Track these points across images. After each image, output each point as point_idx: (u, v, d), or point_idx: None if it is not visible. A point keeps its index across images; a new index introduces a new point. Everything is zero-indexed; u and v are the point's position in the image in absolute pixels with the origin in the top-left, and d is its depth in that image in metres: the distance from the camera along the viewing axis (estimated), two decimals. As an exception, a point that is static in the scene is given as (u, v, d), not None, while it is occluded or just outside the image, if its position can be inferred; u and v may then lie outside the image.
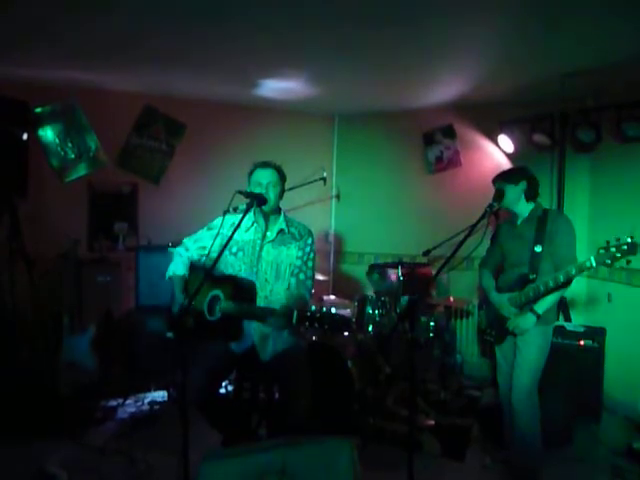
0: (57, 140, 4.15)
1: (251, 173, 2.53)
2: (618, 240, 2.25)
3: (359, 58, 3.44)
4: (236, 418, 2.65)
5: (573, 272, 2.41)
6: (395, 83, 4.08)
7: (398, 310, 3.86)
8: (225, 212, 2.44)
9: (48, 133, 4.12)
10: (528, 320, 2.60)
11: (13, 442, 3.09)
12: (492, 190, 2.72)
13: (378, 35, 2.97)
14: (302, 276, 2.56)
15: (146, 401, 3.84)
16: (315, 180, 4.44)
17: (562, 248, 2.58)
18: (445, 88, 4.14)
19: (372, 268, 4.32)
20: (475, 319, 4.61)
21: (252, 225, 2.56)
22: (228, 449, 2.48)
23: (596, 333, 3.52)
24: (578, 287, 4.03)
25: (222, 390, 3.43)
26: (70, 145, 4.20)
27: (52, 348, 3.69)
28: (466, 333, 4.70)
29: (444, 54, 3.31)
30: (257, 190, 2.45)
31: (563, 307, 3.82)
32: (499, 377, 2.88)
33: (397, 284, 4.01)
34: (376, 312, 3.81)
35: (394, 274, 4.22)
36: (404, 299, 3.97)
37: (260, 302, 2.47)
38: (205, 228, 2.65)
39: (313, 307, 2.31)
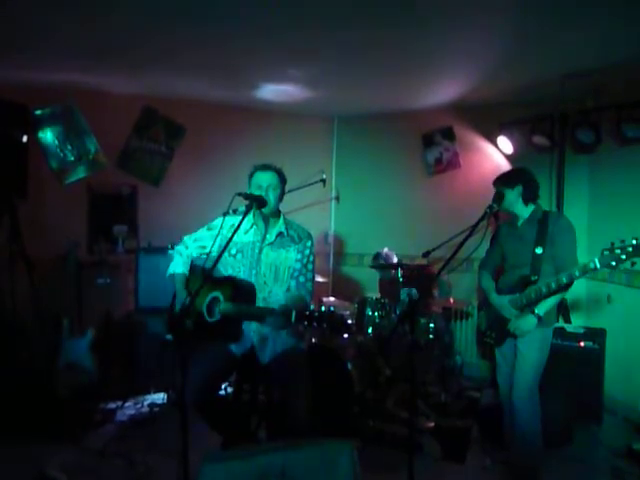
0: (56, 142, 4.15)
1: (251, 175, 2.54)
2: (623, 242, 2.23)
3: (358, 60, 3.45)
4: (235, 420, 2.64)
5: (577, 274, 2.40)
6: (394, 85, 4.08)
7: (400, 303, 3.87)
8: (225, 214, 2.44)
9: (48, 135, 4.13)
10: (529, 322, 2.59)
11: (13, 445, 3.09)
12: (491, 192, 2.72)
13: (377, 36, 2.97)
14: (302, 279, 2.56)
15: (145, 403, 3.83)
16: (315, 182, 4.44)
17: (563, 250, 2.58)
18: (444, 89, 4.14)
19: (377, 256, 4.33)
20: (475, 321, 4.60)
21: (251, 227, 2.56)
22: (228, 451, 2.47)
23: (596, 334, 3.52)
24: (578, 288, 4.02)
25: (221, 392, 3.43)
26: (69, 147, 4.20)
27: (52, 350, 3.69)
28: (466, 335, 4.70)
29: (443, 55, 3.31)
30: (257, 193, 2.46)
31: (563, 309, 3.82)
32: (499, 378, 2.88)
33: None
34: (376, 314, 3.81)
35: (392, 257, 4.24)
36: (403, 292, 3.99)
37: (258, 304, 2.46)
38: (205, 228, 2.66)
39: (312, 306, 2.32)
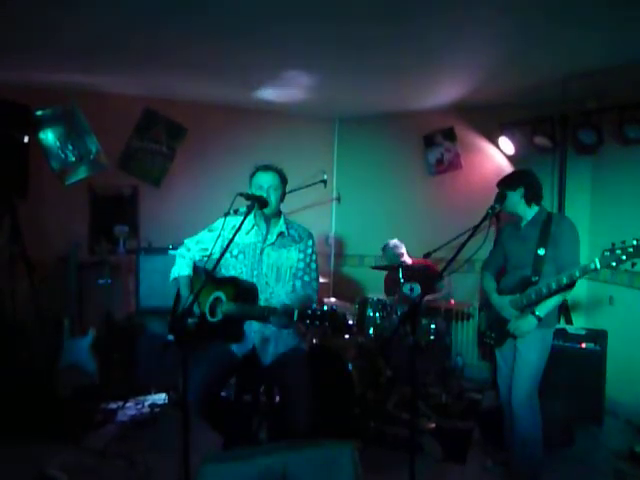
0: (58, 143, 4.16)
1: (252, 176, 2.53)
2: (623, 243, 2.23)
3: (359, 60, 3.44)
4: (237, 421, 2.64)
5: (577, 274, 2.39)
6: (395, 85, 4.08)
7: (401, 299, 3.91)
8: (226, 214, 2.44)
9: (49, 136, 4.13)
10: (529, 322, 2.59)
11: (13, 445, 3.09)
12: (493, 192, 2.72)
13: (378, 37, 2.97)
14: (307, 278, 2.57)
15: (146, 404, 3.83)
16: (316, 182, 4.44)
17: (566, 251, 2.57)
18: (445, 90, 4.14)
19: (386, 247, 4.35)
20: (476, 322, 4.60)
21: (252, 228, 2.56)
22: (229, 452, 2.47)
23: (598, 336, 3.51)
24: (580, 290, 4.02)
25: (223, 393, 3.42)
26: (71, 148, 4.20)
27: (52, 350, 3.69)
28: (467, 336, 4.70)
29: (444, 56, 3.31)
30: (258, 193, 2.46)
31: (564, 310, 3.82)
32: (499, 379, 2.88)
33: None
34: (377, 315, 3.81)
35: (402, 255, 4.24)
36: (406, 287, 4.01)
37: (260, 304, 2.46)
38: (206, 229, 2.66)
39: (314, 305, 2.32)
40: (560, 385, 3.28)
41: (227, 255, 2.48)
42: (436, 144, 4.84)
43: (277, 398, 2.71)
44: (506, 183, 2.72)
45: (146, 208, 4.53)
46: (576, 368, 3.45)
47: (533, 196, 2.69)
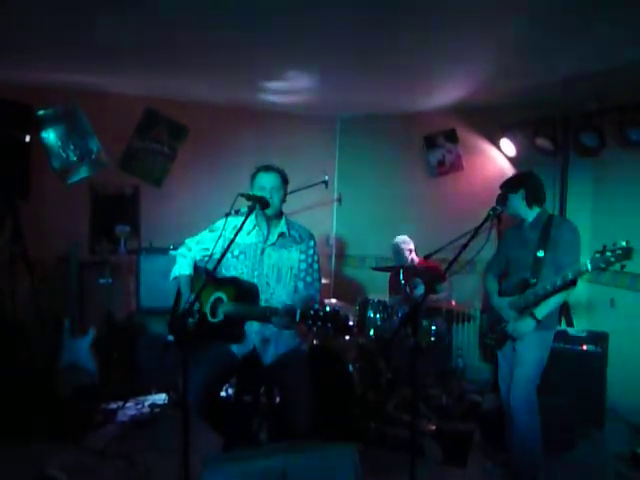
0: (59, 142, 4.16)
1: (254, 176, 2.53)
2: (614, 244, 2.24)
3: (361, 61, 3.44)
4: (237, 421, 2.64)
5: (570, 276, 2.41)
6: (397, 86, 4.08)
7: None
8: (227, 214, 2.43)
9: (50, 135, 4.13)
10: (527, 324, 2.60)
11: (13, 444, 3.09)
12: (495, 194, 2.73)
13: (380, 38, 2.97)
14: (309, 278, 2.57)
15: (146, 404, 3.83)
16: (317, 183, 4.44)
17: (565, 254, 2.57)
18: (447, 91, 4.13)
19: (395, 246, 4.36)
20: (477, 323, 4.59)
21: (254, 228, 2.56)
22: (229, 454, 2.47)
23: (599, 338, 3.50)
24: (581, 292, 4.01)
25: (223, 393, 3.42)
26: (72, 147, 4.20)
27: (53, 350, 3.69)
28: (468, 337, 4.69)
29: (446, 57, 3.30)
30: (260, 194, 2.45)
31: (566, 312, 3.81)
32: (500, 380, 2.88)
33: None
34: (377, 316, 3.80)
35: (410, 251, 4.24)
36: (418, 281, 4.05)
37: (261, 305, 2.46)
38: (207, 230, 2.65)
39: (316, 306, 2.32)
40: (561, 387, 3.28)
41: (228, 255, 2.48)
42: (438, 145, 4.83)
43: (277, 399, 2.71)
44: (508, 185, 2.74)
45: (147, 208, 4.53)
46: (577, 370, 3.44)
47: (534, 198, 2.69)
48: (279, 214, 2.57)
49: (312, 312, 2.19)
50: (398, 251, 4.24)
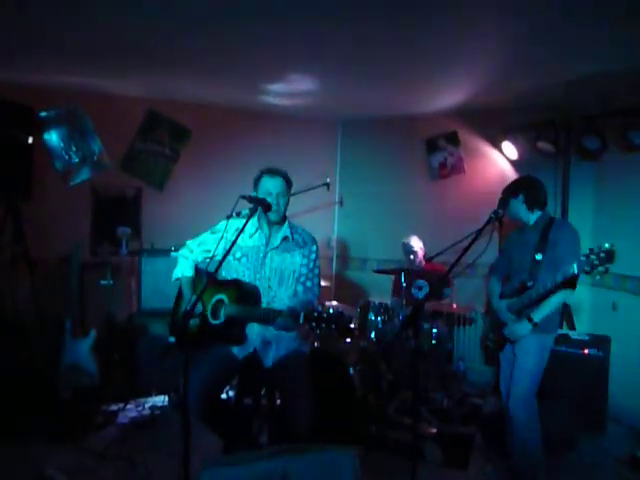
0: (61, 144, 4.17)
1: (258, 180, 2.51)
2: (599, 247, 2.24)
3: (362, 64, 3.44)
4: (237, 424, 2.63)
5: (559, 279, 2.41)
6: (398, 89, 4.08)
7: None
8: (228, 217, 2.43)
9: (53, 137, 4.14)
10: (523, 327, 2.60)
11: (14, 445, 3.08)
12: (496, 197, 2.73)
13: (381, 41, 2.97)
14: (309, 283, 2.56)
15: (147, 406, 3.82)
16: (318, 186, 4.43)
17: (563, 257, 2.57)
18: (448, 94, 4.14)
19: (405, 245, 4.36)
20: (479, 326, 4.58)
21: (256, 231, 2.55)
22: (229, 457, 2.46)
23: (601, 342, 3.49)
24: (583, 295, 4.00)
25: (223, 396, 3.42)
26: (74, 149, 4.21)
27: (53, 351, 3.69)
28: (469, 340, 4.68)
29: (447, 59, 3.30)
30: (267, 199, 2.44)
31: (568, 315, 3.80)
32: (501, 382, 2.88)
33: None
34: (378, 319, 3.80)
35: (422, 250, 4.24)
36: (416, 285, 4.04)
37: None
38: (209, 231, 2.65)
39: (319, 307, 2.31)
40: (563, 391, 3.27)
41: (230, 258, 2.48)
42: (439, 148, 4.83)
43: (278, 401, 2.70)
44: (508, 190, 2.77)
45: (149, 210, 4.53)
46: (579, 374, 3.43)
47: (534, 202, 2.71)
48: (283, 218, 2.56)
49: (316, 314, 2.18)
50: (410, 251, 4.22)
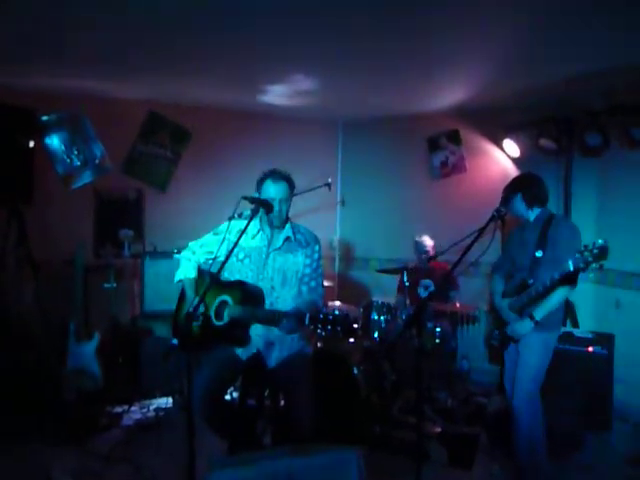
0: (63, 147, 4.18)
1: (261, 182, 2.50)
2: (593, 244, 2.23)
3: (363, 64, 3.44)
4: (241, 425, 2.63)
5: (556, 276, 2.41)
6: (399, 88, 4.08)
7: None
8: (230, 218, 2.43)
9: (54, 141, 4.15)
10: (525, 325, 2.60)
11: (18, 448, 3.09)
12: (498, 195, 2.75)
13: (381, 40, 2.97)
14: (313, 283, 2.56)
15: (151, 408, 3.83)
16: (320, 186, 4.43)
17: (562, 253, 2.56)
18: (450, 93, 4.13)
19: (416, 244, 4.34)
20: (482, 325, 4.57)
21: (258, 232, 2.55)
22: (234, 457, 2.46)
23: (605, 339, 3.47)
24: (586, 293, 3.99)
25: (227, 397, 3.42)
26: (76, 152, 4.22)
27: (58, 354, 3.69)
28: (473, 339, 4.67)
29: (448, 58, 3.30)
30: (272, 203, 2.43)
31: (571, 313, 3.79)
32: (506, 380, 2.87)
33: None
34: (382, 318, 3.79)
35: (433, 248, 4.20)
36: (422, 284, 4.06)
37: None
38: (211, 233, 2.65)
39: (324, 309, 2.31)
40: (567, 389, 3.25)
41: (233, 259, 2.48)
42: (441, 147, 4.83)
43: (282, 402, 2.70)
44: (508, 187, 2.77)
45: (151, 212, 4.54)
46: (583, 372, 3.41)
47: (533, 199, 2.71)
48: (284, 222, 2.55)
49: (321, 315, 2.18)
50: (422, 250, 4.20)
